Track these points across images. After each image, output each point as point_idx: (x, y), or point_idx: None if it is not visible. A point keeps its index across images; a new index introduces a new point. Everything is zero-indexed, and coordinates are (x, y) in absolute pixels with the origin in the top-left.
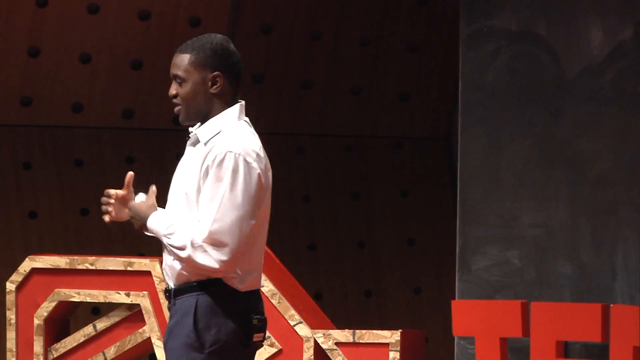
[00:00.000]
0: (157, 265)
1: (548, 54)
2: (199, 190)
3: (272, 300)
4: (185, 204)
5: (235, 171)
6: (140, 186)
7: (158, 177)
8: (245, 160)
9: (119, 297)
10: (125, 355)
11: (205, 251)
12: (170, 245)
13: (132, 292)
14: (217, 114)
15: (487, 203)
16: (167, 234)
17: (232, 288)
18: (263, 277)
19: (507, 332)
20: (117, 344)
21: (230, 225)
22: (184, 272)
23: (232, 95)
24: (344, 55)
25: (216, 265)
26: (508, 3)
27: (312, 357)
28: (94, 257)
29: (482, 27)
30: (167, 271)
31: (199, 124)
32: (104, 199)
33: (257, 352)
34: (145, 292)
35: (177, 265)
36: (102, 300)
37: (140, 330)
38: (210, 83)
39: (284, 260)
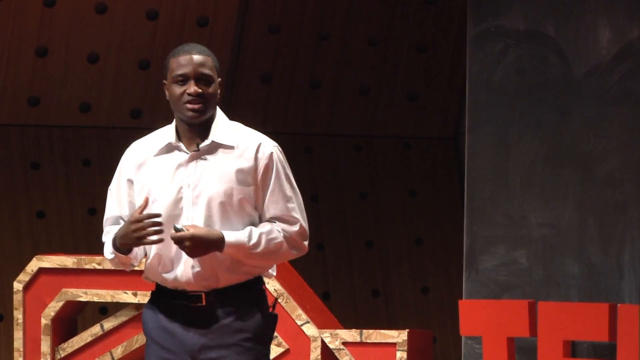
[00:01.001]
0: None
1: (556, 53)
2: (253, 192)
3: (279, 300)
4: (224, 210)
5: (285, 162)
6: None
7: None
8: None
9: (126, 296)
10: (132, 355)
11: (300, 243)
12: (262, 253)
13: (139, 292)
14: (215, 117)
15: (495, 203)
16: (252, 245)
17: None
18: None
19: (514, 332)
20: (125, 343)
21: (304, 212)
22: (231, 275)
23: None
24: (352, 55)
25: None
26: (516, 3)
27: (320, 357)
28: (101, 257)
29: (490, 26)
30: (194, 279)
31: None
32: (148, 222)
33: None
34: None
35: (222, 269)
36: (109, 300)
37: None
38: (219, 89)
39: (292, 260)
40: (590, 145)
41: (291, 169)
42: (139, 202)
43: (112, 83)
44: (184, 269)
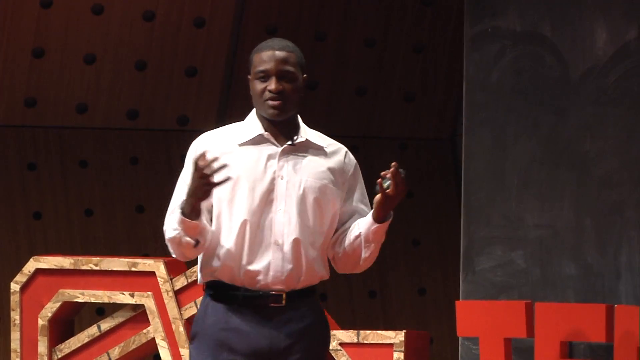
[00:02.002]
0: (162, 266)
1: (553, 54)
2: (340, 195)
3: None
4: (317, 206)
5: None
6: (145, 187)
7: (162, 178)
8: None
9: (124, 297)
10: (129, 356)
11: None
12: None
13: (136, 293)
14: (298, 116)
15: (492, 203)
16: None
17: None
18: None
19: (511, 333)
20: (122, 344)
21: None
22: (311, 276)
23: None
24: (349, 56)
25: None
26: (513, 4)
27: None
28: (98, 258)
29: (487, 27)
30: (281, 274)
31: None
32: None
33: None
34: (149, 293)
35: (306, 268)
36: (106, 300)
37: (144, 331)
38: (303, 86)
39: None
40: (587, 146)
41: None
42: (225, 190)
43: (108, 84)
44: (272, 263)
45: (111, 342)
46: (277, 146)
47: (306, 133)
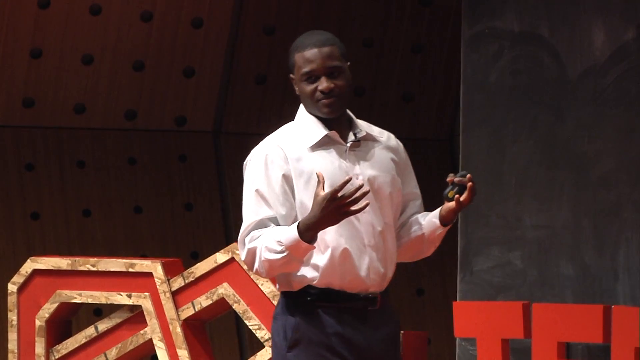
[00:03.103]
0: (159, 267)
1: (550, 55)
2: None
3: (273, 302)
4: (392, 200)
5: None
6: (143, 187)
7: (160, 178)
8: None
9: (121, 298)
10: (126, 357)
11: None
12: None
13: (133, 294)
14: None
15: (490, 204)
16: None
17: None
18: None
19: (508, 334)
20: (119, 345)
21: None
22: (391, 275)
23: None
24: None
25: None
26: (510, 4)
27: None
28: (95, 259)
29: (485, 28)
30: (376, 276)
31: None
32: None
33: (258, 354)
34: (146, 294)
35: (392, 267)
36: (103, 301)
37: (141, 332)
38: (350, 75)
39: None
40: (585, 146)
41: None
42: (302, 194)
43: (106, 84)
44: (370, 266)
45: (108, 342)
46: (343, 144)
47: (361, 125)
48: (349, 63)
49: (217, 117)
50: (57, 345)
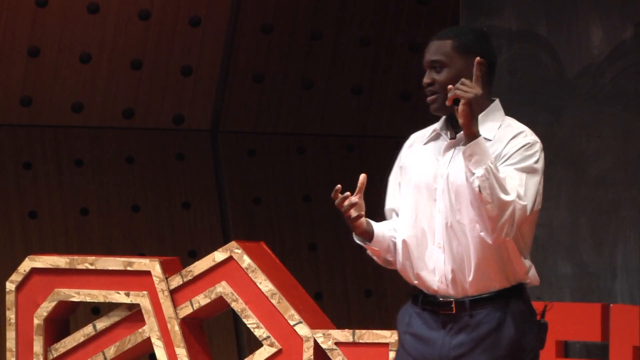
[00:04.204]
0: (157, 265)
1: (548, 53)
2: None
3: (271, 300)
4: (469, 206)
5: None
6: (141, 186)
7: (158, 177)
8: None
9: (119, 297)
10: (125, 355)
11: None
12: (495, 185)
13: (131, 292)
14: (484, 106)
15: None
16: (494, 167)
17: (527, 287)
18: (262, 276)
19: None
20: (117, 343)
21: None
22: (482, 281)
23: (490, 88)
24: (344, 55)
25: None
26: (508, 3)
27: (312, 357)
28: (93, 257)
29: (482, 26)
30: (445, 279)
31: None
32: (342, 204)
33: (256, 352)
34: (145, 292)
35: (471, 274)
36: (101, 300)
37: (140, 330)
38: (474, 71)
39: (284, 260)
40: (583, 145)
41: (283, 169)
42: (403, 186)
43: (104, 83)
44: (436, 268)
45: (107, 341)
46: (447, 140)
47: (483, 123)
48: (479, 59)
49: (215, 115)
50: (55, 344)
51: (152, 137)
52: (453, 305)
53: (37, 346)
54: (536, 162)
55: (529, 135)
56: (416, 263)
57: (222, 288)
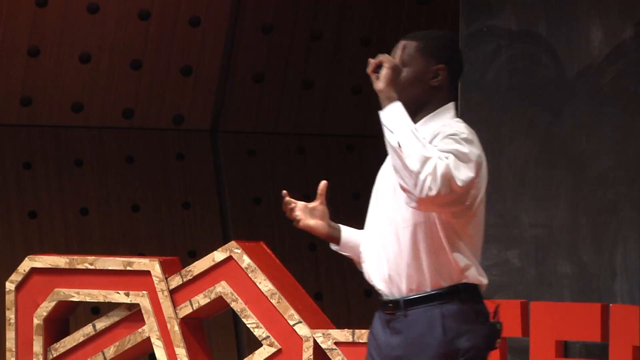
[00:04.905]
0: (157, 265)
1: (548, 53)
2: None
3: (271, 300)
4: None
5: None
6: (140, 186)
7: (158, 177)
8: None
9: (119, 296)
10: (124, 355)
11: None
12: (413, 149)
13: (131, 292)
14: (434, 108)
15: (487, 203)
16: (413, 132)
17: (475, 287)
18: (262, 276)
19: (506, 332)
20: (117, 343)
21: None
22: (418, 281)
23: (450, 92)
24: (344, 55)
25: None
26: (508, 3)
27: (312, 357)
28: (93, 257)
29: (482, 26)
30: (382, 280)
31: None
32: (287, 208)
33: (256, 352)
34: (144, 292)
35: (413, 272)
36: (101, 300)
37: (139, 330)
38: (432, 75)
39: (284, 260)
40: (583, 145)
41: (283, 169)
42: None
43: (104, 83)
44: (369, 268)
45: (106, 341)
46: None
47: (427, 123)
48: (440, 66)
49: (215, 115)
50: (55, 344)
51: (152, 137)
52: (391, 305)
53: (37, 346)
54: (467, 150)
55: (462, 134)
56: (367, 264)
57: (222, 288)
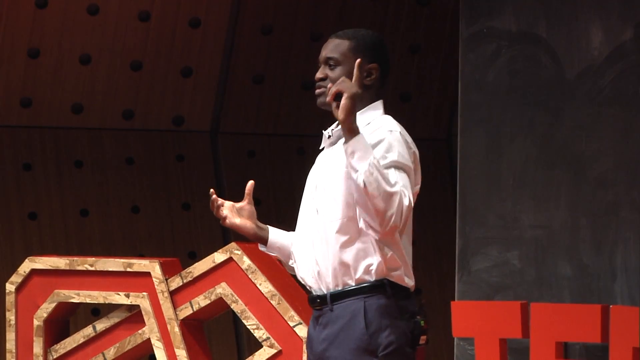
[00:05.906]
0: (157, 267)
1: (548, 54)
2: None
3: (271, 301)
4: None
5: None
6: (140, 187)
7: (158, 178)
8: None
9: (119, 298)
10: (124, 356)
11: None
12: (378, 182)
13: (131, 293)
14: (364, 105)
15: (488, 204)
16: (376, 163)
17: (401, 286)
18: (262, 277)
19: (506, 333)
20: (117, 345)
21: None
22: (344, 277)
23: (379, 90)
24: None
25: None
26: (508, 4)
27: None
28: (93, 258)
29: (482, 28)
30: (316, 275)
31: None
32: (214, 206)
33: (256, 353)
34: (144, 293)
35: (339, 267)
36: (101, 301)
37: (139, 331)
38: (365, 74)
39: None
40: (583, 146)
41: (283, 170)
42: None
43: (104, 84)
44: (300, 266)
45: (106, 342)
46: (326, 139)
47: (357, 119)
48: (373, 65)
49: (215, 116)
50: (55, 345)
51: (152, 139)
52: (319, 300)
53: (37, 347)
54: (405, 157)
55: (388, 132)
56: (298, 263)
57: (222, 289)
